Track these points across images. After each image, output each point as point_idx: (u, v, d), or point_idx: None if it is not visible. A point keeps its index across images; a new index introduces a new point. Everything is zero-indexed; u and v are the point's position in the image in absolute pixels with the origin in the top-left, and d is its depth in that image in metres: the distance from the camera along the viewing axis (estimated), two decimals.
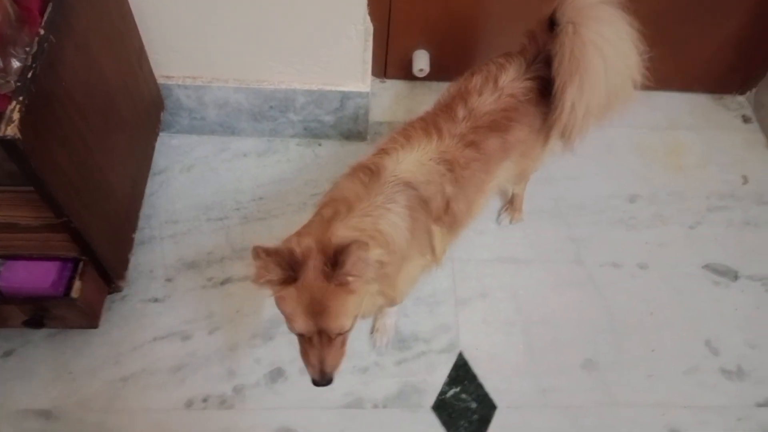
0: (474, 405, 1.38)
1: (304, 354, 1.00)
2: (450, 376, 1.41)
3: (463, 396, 1.39)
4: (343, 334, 0.98)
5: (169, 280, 1.50)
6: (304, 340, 0.98)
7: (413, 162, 1.09)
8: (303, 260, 0.91)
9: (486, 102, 1.15)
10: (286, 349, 1.41)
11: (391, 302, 1.20)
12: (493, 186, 1.26)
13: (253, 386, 1.37)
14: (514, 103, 1.16)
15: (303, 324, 0.93)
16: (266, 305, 1.47)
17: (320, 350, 0.96)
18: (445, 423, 1.36)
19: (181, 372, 1.39)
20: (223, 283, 1.51)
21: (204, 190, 1.66)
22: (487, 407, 1.38)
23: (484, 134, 1.14)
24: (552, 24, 1.14)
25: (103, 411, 1.33)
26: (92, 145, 1.18)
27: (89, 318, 1.28)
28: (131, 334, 1.42)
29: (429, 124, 1.15)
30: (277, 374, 1.39)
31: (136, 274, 1.49)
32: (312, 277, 0.91)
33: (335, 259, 0.90)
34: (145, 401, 1.35)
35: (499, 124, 1.15)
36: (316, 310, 0.92)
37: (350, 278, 0.91)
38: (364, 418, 1.35)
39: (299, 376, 1.38)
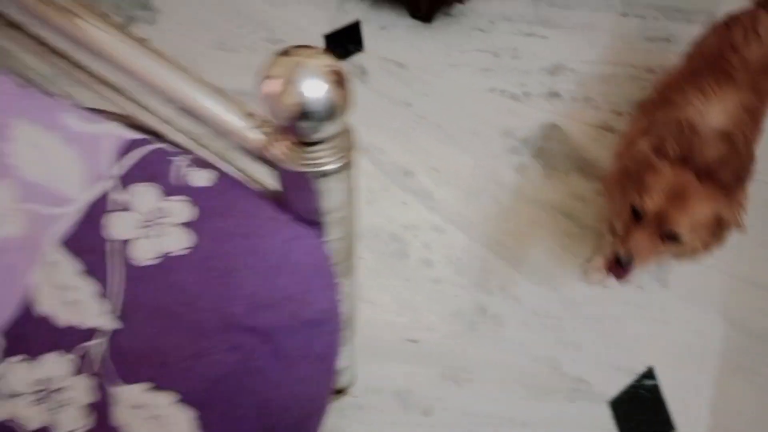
0: None
1: (626, 231, 0.99)
2: None
3: None
4: (673, 241, 0.97)
5: None
6: (636, 220, 0.98)
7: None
8: (699, 146, 0.97)
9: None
10: None
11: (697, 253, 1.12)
12: None
13: None
14: None
15: (656, 201, 0.95)
16: None
17: (645, 235, 0.96)
18: None
19: None
20: None
21: None
22: None
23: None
24: None
25: None
26: None
27: None
28: None
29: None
30: None
31: None
32: (695, 165, 0.96)
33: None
34: None
35: None
36: (677, 195, 0.94)
37: (729, 181, 0.94)
38: None
39: None
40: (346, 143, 0.60)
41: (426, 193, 1.60)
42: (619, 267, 1.01)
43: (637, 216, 0.99)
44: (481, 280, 1.48)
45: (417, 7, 1.91)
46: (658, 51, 1.92)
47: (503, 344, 1.40)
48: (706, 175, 0.94)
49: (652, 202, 0.95)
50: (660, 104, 1.24)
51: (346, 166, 0.61)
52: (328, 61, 0.53)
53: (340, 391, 1.24)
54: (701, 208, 0.94)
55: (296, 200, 0.65)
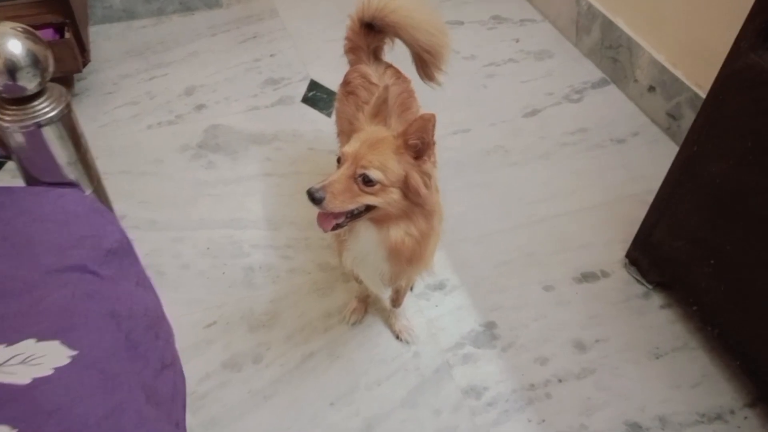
0: None
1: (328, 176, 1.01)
2: None
3: None
4: (368, 180, 0.99)
5: None
6: (339, 166, 1.02)
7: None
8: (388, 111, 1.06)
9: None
10: None
11: (417, 263, 1.14)
12: None
13: None
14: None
15: (353, 147, 1.00)
16: None
17: (340, 175, 0.99)
18: None
19: None
20: None
21: None
22: None
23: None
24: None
25: None
26: None
27: (76, 61, 1.88)
28: None
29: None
30: None
31: None
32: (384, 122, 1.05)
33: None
34: None
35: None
36: (369, 142, 1.00)
37: (411, 139, 0.99)
38: None
39: None
40: (58, 94, 0.76)
41: (150, 223, 1.72)
42: (315, 206, 1.00)
43: (338, 161, 1.04)
44: None
45: None
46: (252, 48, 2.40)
47: None
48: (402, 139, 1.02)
49: (349, 147, 1.01)
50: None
51: (65, 114, 0.77)
52: (17, 24, 0.70)
53: None
54: (391, 159, 1.00)
55: (37, 160, 0.78)
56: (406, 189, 1.02)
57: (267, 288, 1.57)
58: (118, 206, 1.73)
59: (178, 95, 2.16)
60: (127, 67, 2.26)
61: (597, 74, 2.31)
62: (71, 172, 0.82)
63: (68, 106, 0.77)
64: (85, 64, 1.96)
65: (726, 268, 1.33)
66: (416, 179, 1.01)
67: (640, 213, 1.54)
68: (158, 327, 0.83)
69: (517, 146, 2.02)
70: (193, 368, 1.38)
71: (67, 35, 1.85)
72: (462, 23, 2.57)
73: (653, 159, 1.96)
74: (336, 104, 1.53)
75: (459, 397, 1.38)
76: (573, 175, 1.92)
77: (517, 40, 2.49)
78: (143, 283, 0.85)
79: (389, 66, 1.46)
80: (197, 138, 2.00)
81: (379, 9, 1.37)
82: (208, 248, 1.66)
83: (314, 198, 0.97)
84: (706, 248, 1.36)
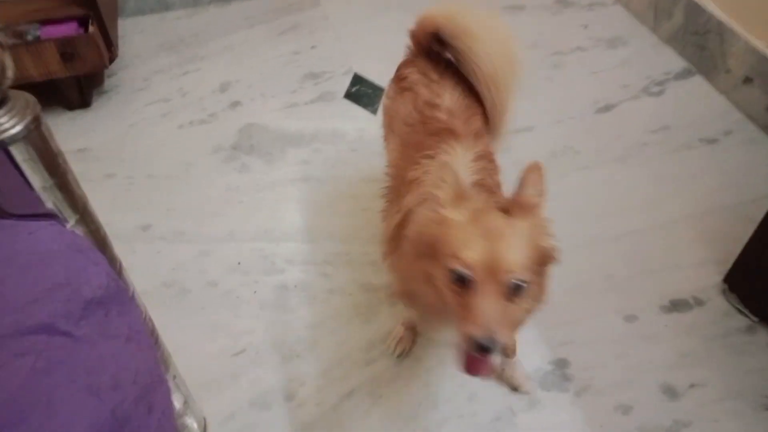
0: None
1: (463, 307, 0.75)
2: None
3: None
4: (519, 287, 0.76)
5: None
6: (466, 288, 0.76)
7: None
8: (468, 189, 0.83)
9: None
10: None
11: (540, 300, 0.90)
12: None
13: None
14: None
15: (479, 251, 0.74)
16: None
17: (489, 298, 0.73)
18: None
19: None
20: None
21: None
22: None
23: None
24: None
25: None
26: None
27: (101, 57, 1.75)
28: None
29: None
30: None
31: None
32: (484, 201, 0.82)
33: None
34: None
35: None
36: (493, 235, 0.76)
37: (531, 196, 0.80)
38: None
39: None
40: (23, 105, 0.59)
41: (176, 234, 1.56)
42: (481, 356, 0.76)
43: (462, 282, 0.76)
44: None
45: (69, 100, 1.88)
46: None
47: None
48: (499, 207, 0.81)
49: (474, 253, 0.75)
50: (401, 187, 1.07)
51: (33, 129, 0.59)
52: None
53: None
54: (523, 245, 0.78)
55: (2, 187, 0.60)
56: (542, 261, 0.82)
57: (302, 311, 1.39)
58: (142, 214, 1.67)
59: (212, 91, 1.99)
60: (159, 62, 2.11)
61: (680, 64, 2.02)
62: (47, 200, 0.64)
63: (37, 120, 0.59)
64: (112, 60, 1.82)
65: None
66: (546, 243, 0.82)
67: (738, 228, 1.27)
68: (152, 397, 0.65)
69: (588, 147, 1.76)
70: (215, 406, 1.21)
71: (92, 29, 1.71)
72: (523, 8, 2.31)
73: (751, 162, 1.67)
74: (385, 101, 1.32)
75: None
76: (655, 181, 1.65)
77: (586, 26, 2.21)
78: (136, 337, 0.67)
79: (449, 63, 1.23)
80: (231, 138, 1.83)
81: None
82: (238, 263, 1.49)
83: (489, 348, 0.73)
84: None
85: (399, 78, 1.26)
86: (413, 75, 1.20)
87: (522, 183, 0.81)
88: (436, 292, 0.81)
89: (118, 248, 0.81)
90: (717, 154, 1.72)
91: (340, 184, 1.67)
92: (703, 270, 1.43)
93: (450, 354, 1.14)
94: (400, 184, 1.09)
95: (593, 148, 1.75)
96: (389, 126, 1.28)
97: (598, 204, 1.60)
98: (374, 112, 1.88)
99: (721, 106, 1.86)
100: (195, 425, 1.10)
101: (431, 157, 1.02)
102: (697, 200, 1.59)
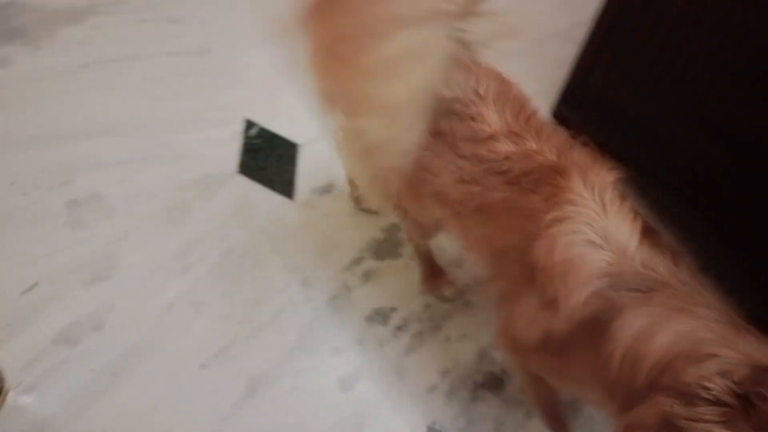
0: None
1: None
2: None
3: None
4: None
5: None
6: None
7: None
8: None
9: None
10: None
11: None
12: None
13: None
14: None
15: None
16: None
17: None
18: None
19: None
20: None
21: None
22: None
23: None
24: None
25: None
26: None
27: None
28: None
29: None
30: None
31: None
32: None
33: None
34: None
35: None
36: None
37: None
38: None
39: None
40: None
41: None
42: None
43: None
44: None
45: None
46: None
47: None
48: None
49: None
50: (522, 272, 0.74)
51: None
52: None
53: None
54: None
55: None
56: None
57: (100, 226, 1.20)
58: None
59: None
60: None
61: None
62: None
63: None
64: None
65: None
66: None
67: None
68: None
69: None
70: (12, 353, 1.05)
71: None
72: None
73: None
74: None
75: (362, 327, 1.11)
76: None
77: None
78: None
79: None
80: None
81: None
82: (13, 183, 1.24)
83: None
84: None
85: None
86: None
87: None
88: None
89: None
90: None
91: (137, 64, 1.40)
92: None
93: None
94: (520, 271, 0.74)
95: None
96: (416, 200, 0.91)
97: None
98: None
99: None
100: None
101: (559, 221, 0.69)
102: None
